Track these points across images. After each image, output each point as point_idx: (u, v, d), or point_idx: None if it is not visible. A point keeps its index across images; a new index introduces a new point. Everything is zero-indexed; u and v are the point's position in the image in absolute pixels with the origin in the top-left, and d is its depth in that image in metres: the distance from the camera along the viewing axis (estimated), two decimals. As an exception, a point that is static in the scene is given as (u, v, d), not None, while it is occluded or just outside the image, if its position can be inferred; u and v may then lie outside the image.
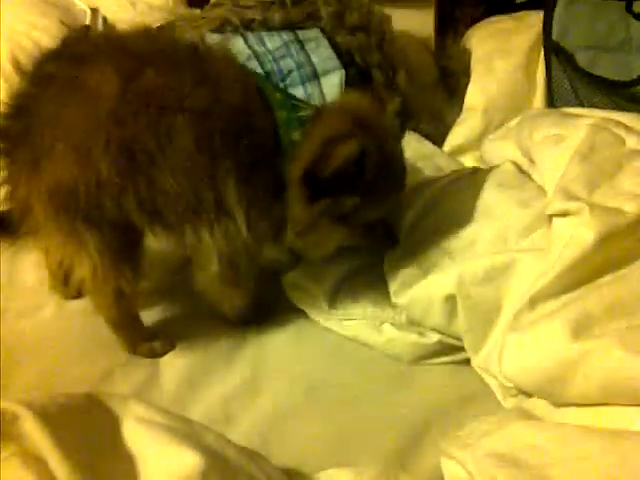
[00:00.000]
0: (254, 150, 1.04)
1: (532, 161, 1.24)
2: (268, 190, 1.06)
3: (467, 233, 1.15)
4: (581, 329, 0.92)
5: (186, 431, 0.89)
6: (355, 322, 1.21)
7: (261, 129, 1.05)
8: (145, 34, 1.15)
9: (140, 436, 0.86)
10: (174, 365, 1.19)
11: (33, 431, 0.78)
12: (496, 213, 1.15)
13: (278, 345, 1.22)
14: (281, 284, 1.28)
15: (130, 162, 0.99)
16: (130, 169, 1.00)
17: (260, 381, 1.16)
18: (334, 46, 1.44)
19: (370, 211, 1.11)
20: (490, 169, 1.26)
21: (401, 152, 1.16)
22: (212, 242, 1.07)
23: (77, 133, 1.00)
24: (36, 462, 0.77)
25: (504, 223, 1.13)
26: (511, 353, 0.97)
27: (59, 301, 1.29)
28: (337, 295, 1.24)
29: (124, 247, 1.07)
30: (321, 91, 1.41)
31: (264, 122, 1.06)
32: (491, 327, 1.09)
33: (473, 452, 0.91)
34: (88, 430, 0.84)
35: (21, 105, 1.05)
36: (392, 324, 1.19)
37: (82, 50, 1.08)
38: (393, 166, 1.12)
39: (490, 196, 1.18)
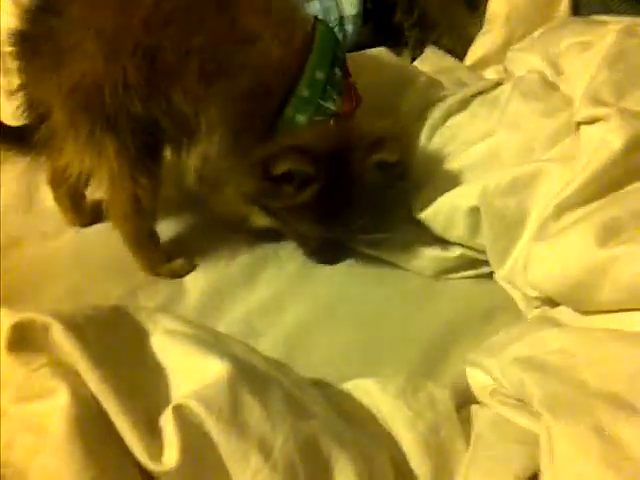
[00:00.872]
0: (255, 97, 1.04)
1: (558, 70, 1.21)
2: (248, 135, 1.07)
3: (491, 144, 1.13)
4: (608, 235, 0.91)
5: (213, 341, 0.90)
6: (378, 240, 1.20)
7: (275, 86, 1.05)
8: None
9: (168, 347, 0.86)
10: (196, 283, 1.19)
11: (63, 341, 0.79)
12: (521, 124, 1.13)
13: (298, 262, 1.22)
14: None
15: (152, 71, 1.01)
16: (152, 77, 1.01)
17: (281, 298, 1.17)
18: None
19: (299, 223, 1.13)
20: (514, 80, 1.23)
21: (364, 203, 1.12)
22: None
23: (107, 34, 1.00)
24: (66, 372, 0.78)
25: (529, 134, 1.11)
26: (538, 261, 0.96)
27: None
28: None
29: (143, 154, 1.07)
30: (339, 4, 1.37)
31: (282, 80, 1.05)
32: (516, 238, 1.07)
33: (499, 359, 0.91)
34: (116, 341, 0.85)
35: (45, 7, 1.05)
36: (415, 240, 1.18)
37: None
38: (340, 206, 1.10)
39: (514, 107, 1.16)
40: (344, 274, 1.20)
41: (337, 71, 1.07)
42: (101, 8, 1.02)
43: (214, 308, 1.15)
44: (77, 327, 0.81)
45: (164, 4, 1.01)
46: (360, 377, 0.98)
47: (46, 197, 1.32)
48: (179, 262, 1.21)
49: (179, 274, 1.21)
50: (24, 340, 0.78)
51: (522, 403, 0.87)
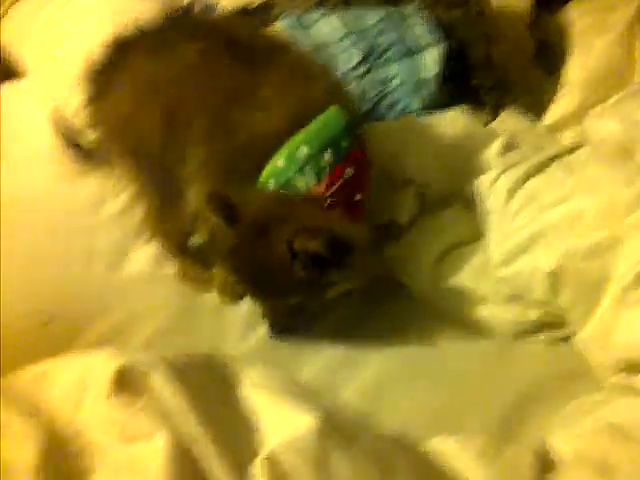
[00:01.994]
0: (244, 156, 1.07)
1: (635, 138, 1.22)
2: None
3: (571, 207, 1.14)
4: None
5: (300, 394, 0.92)
6: (455, 297, 1.21)
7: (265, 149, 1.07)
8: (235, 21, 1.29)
9: (257, 397, 0.89)
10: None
11: (163, 384, 0.82)
12: (600, 188, 1.14)
13: (376, 319, 1.23)
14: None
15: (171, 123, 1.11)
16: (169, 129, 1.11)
17: (359, 353, 1.17)
18: (432, 21, 1.44)
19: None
20: (591, 145, 1.25)
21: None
22: None
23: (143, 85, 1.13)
24: (166, 413, 0.81)
25: (608, 199, 1.12)
26: (625, 327, 0.97)
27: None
28: (437, 269, 1.24)
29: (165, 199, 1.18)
30: (419, 66, 1.41)
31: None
32: (597, 302, 1.08)
33: (580, 428, 0.92)
34: (210, 388, 0.88)
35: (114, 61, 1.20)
36: (492, 298, 1.19)
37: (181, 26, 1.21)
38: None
39: (593, 172, 1.17)
40: (422, 330, 1.21)
41: (327, 155, 1.04)
42: (155, 66, 1.13)
43: (295, 359, 1.16)
44: (176, 372, 0.85)
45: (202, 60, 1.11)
46: (439, 436, 0.98)
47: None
48: None
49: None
50: (126, 383, 0.82)
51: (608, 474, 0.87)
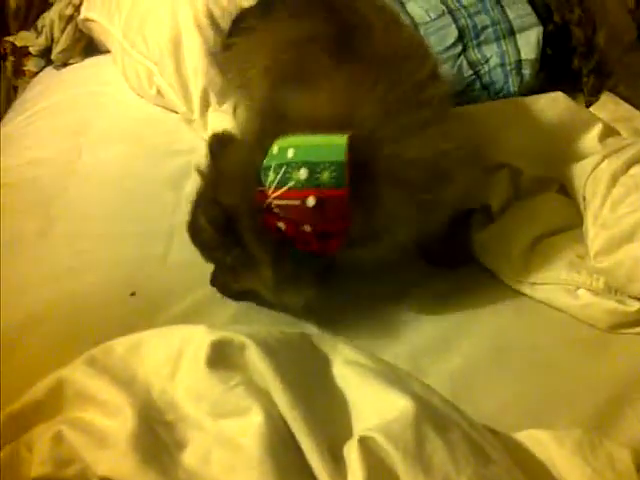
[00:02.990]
0: None
1: None
2: None
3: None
4: None
5: (393, 376, 0.90)
6: (548, 286, 1.17)
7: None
8: None
9: (350, 377, 0.88)
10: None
11: (258, 362, 0.81)
12: None
13: (467, 305, 1.20)
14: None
15: None
16: None
17: (449, 339, 1.15)
18: (531, 2, 1.39)
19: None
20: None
21: None
22: None
23: None
24: (259, 391, 0.80)
25: None
26: None
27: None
28: (529, 257, 1.20)
29: None
30: (517, 48, 1.37)
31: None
32: None
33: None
34: (302, 366, 0.87)
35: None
36: (588, 289, 1.15)
37: None
38: None
39: None
40: (515, 319, 1.17)
41: (302, 173, 0.96)
42: None
43: (379, 343, 1.14)
44: (270, 350, 0.83)
45: None
46: (530, 427, 0.95)
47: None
48: None
49: None
50: (222, 357, 0.82)
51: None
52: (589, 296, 1.14)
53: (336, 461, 0.77)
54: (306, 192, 0.95)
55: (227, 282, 1.16)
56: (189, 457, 0.76)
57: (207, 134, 1.35)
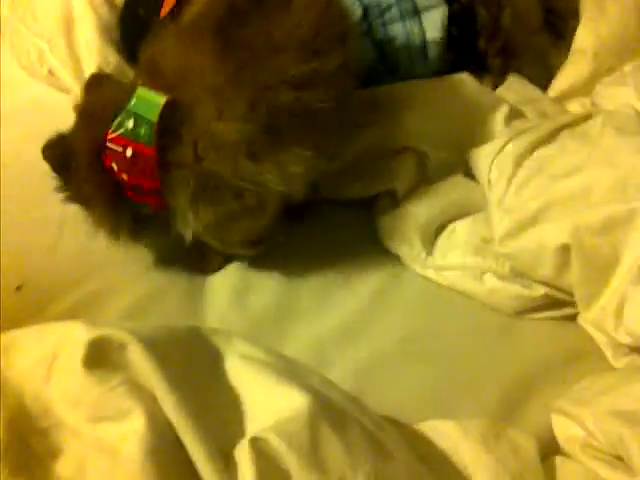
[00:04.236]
0: None
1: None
2: None
3: (582, 179, 1.07)
4: None
5: (290, 371, 0.86)
6: (454, 272, 1.15)
7: None
8: None
9: (245, 373, 0.83)
10: (261, 302, 1.15)
11: (141, 361, 0.75)
12: (615, 160, 1.07)
13: (372, 291, 1.16)
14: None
15: None
16: None
17: (353, 326, 1.11)
18: (437, -19, 1.35)
19: None
20: (606, 114, 1.17)
21: None
22: None
23: None
24: (142, 392, 0.74)
25: (624, 171, 1.05)
26: (636, 306, 0.90)
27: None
28: (434, 242, 1.18)
29: None
30: (422, 28, 1.33)
31: None
32: (608, 280, 1.01)
33: (593, 409, 0.86)
34: (192, 363, 0.81)
35: None
36: (494, 274, 1.13)
37: None
38: None
39: (608, 142, 1.10)
40: (420, 306, 1.14)
41: (129, 122, 0.99)
42: None
43: (280, 331, 1.10)
44: (154, 346, 0.77)
45: None
46: (435, 418, 0.93)
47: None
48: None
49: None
50: (101, 357, 0.75)
51: (618, 460, 0.82)
52: (495, 281, 1.12)
53: (227, 464, 0.72)
54: (127, 142, 0.98)
55: None
56: (63, 467, 0.69)
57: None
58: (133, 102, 0.99)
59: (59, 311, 1.10)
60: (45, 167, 1.33)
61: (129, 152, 0.98)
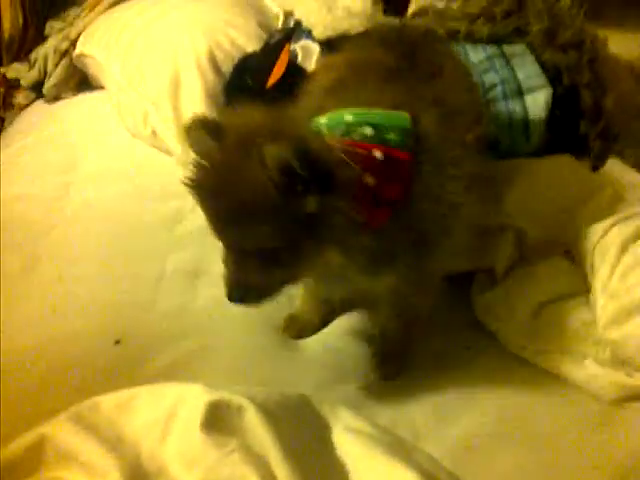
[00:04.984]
0: None
1: None
2: None
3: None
4: None
5: (396, 446, 0.85)
6: (553, 355, 1.13)
7: None
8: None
9: (352, 446, 0.82)
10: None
11: (257, 426, 0.76)
12: None
13: (468, 371, 1.15)
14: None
15: None
16: None
17: (448, 406, 1.09)
18: (541, 63, 1.37)
19: None
20: None
21: None
22: None
23: None
24: (257, 459, 0.75)
25: None
26: None
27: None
28: (534, 324, 1.16)
29: None
30: (524, 108, 1.34)
31: None
32: None
33: None
34: (303, 431, 0.81)
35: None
36: (594, 359, 1.10)
37: None
38: None
39: None
40: (517, 388, 1.11)
41: (367, 129, 0.93)
42: None
43: (376, 405, 1.09)
44: (270, 413, 0.78)
45: None
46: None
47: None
48: None
49: None
50: (218, 420, 0.76)
51: None
52: (595, 367, 1.10)
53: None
54: (373, 146, 0.91)
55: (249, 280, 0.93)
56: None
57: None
58: (348, 118, 0.94)
59: (157, 367, 1.11)
60: (147, 224, 1.39)
61: (378, 154, 0.91)
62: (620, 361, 1.08)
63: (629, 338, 1.06)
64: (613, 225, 1.17)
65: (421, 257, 0.98)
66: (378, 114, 0.95)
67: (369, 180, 0.90)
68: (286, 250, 0.88)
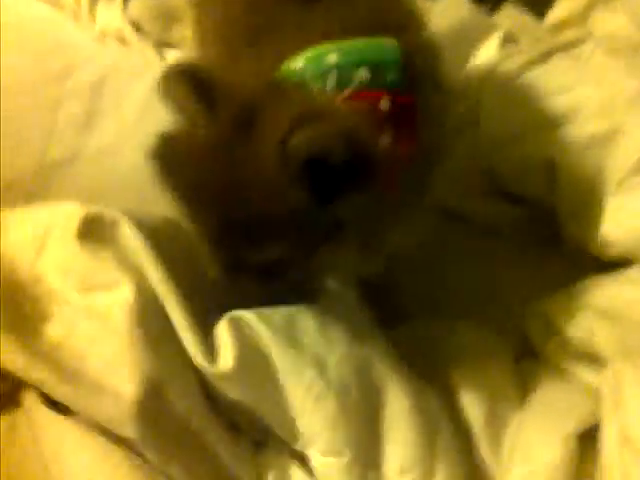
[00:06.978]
0: None
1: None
2: None
3: (573, 97, 1.08)
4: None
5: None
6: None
7: None
8: None
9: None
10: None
11: (131, 237, 0.79)
12: (603, 80, 1.08)
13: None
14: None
15: None
16: None
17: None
18: None
19: None
20: (598, 38, 1.19)
21: None
22: None
23: None
24: (131, 267, 0.78)
25: (612, 91, 1.07)
26: (613, 216, 0.93)
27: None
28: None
29: None
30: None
31: None
32: (592, 196, 1.02)
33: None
34: (177, 252, 0.83)
35: None
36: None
37: None
38: None
39: (597, 63, 1.11)
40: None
41: (362, 71, 0.71)
42: None
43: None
44: (145, 228, 0.81)
45: None
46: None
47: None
48: None
49: None
50: (93, 232, 0.79)
51: (586, 355, 0.85)
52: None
53: (207, 337, 0.76)
54: (373, 92, 0.71)
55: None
56: (53, 329, 0.73)
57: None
58: (332, 59, 0.71)
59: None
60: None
61: (385, 104, 0.70)
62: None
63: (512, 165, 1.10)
64: (501, 61, 1.19)
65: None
66: (365, 46, 0.73)
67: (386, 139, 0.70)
68: (294, 260, 0.69)
